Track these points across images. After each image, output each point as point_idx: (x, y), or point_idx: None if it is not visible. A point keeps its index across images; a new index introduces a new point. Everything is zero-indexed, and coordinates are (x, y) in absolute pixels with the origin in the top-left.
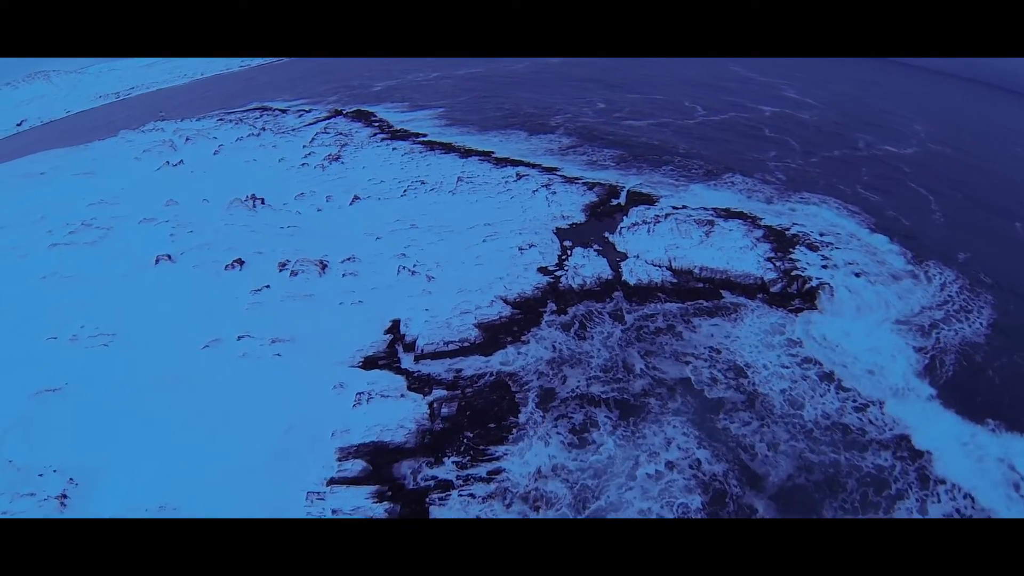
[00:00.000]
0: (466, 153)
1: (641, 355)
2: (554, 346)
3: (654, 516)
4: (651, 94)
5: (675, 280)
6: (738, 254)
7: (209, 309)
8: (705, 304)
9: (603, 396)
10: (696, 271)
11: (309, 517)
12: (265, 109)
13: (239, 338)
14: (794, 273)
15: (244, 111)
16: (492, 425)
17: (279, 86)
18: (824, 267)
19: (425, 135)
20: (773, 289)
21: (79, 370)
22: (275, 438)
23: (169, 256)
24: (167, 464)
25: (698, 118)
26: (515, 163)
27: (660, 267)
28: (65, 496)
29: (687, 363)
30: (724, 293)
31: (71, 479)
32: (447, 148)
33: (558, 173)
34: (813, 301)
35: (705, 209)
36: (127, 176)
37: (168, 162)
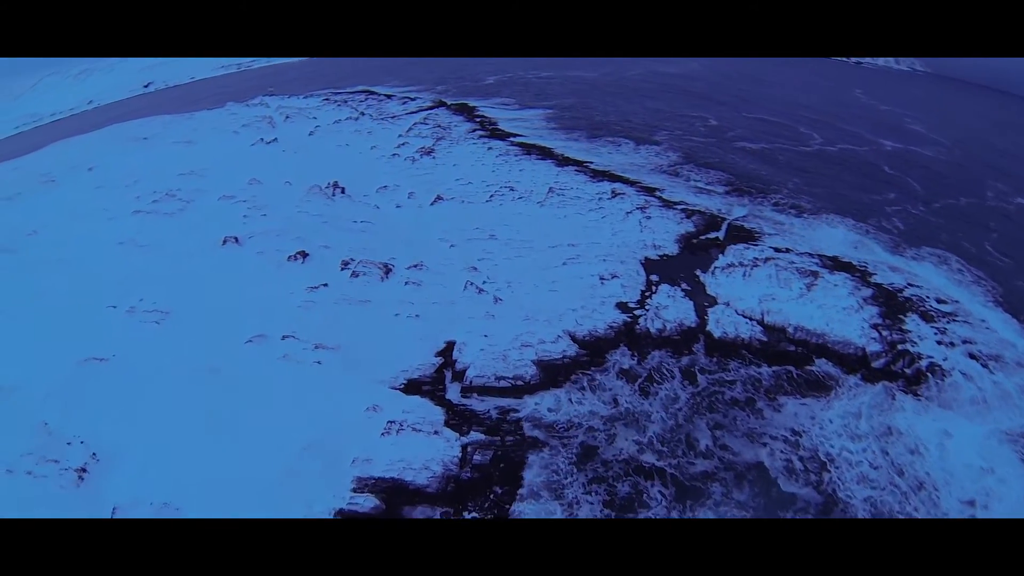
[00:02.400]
0: (563, 161)
1: (710, 427)
2: (615, 399)
3: None
4: (766, 115)
5: (765, 338)
6: (840, 315)
7: (262, 301)
8: (794, 372)
9: (655, 468)
10: (790, 330)
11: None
12: (371, 93)
13: (283, 338)
14: (902, 347)
15: (350, 92)
16: (525, 482)
17: (391, 69)
18: (939, 343)
19: (524, 136)
20: (875, 364)
21: (128, 344)
22: (292, 454)
23: (236, 239)
24: (182, 460)
25: (813, 146)
26: (613, 178)
27: (751, 320)
28: (84, 470)
29: (763, 445)
30: (818, 361)
31: (94, 454)
32: (544, 153)
33: (656, 194)
34: (919, 384)
35: (810, 256)
36: (221, 149)
37: (263, 139)
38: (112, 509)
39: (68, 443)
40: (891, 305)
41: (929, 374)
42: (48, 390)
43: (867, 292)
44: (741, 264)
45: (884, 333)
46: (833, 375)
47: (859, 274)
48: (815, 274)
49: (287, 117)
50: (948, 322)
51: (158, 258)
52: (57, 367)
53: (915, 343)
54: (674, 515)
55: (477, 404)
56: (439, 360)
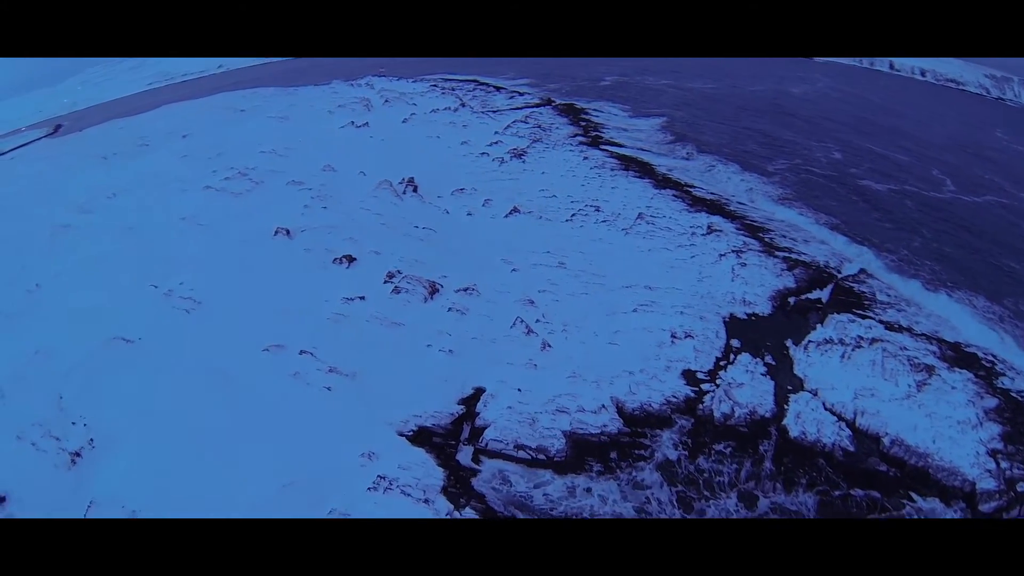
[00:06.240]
0: (661, 183)
1: None
2: (647, 501)
3: None
4: (895, 152)
5: (852, 448)
6: (952, 431)
7: (293, 306)
8: (879, 501)
9: None
10: (886, 442)
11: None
12: (480, 83)
13: (301, 352)
14: (1022, 488)
15: (461, 80)
16: None
17: (509, 60)
18: None
19: (626, 148)
20: (982, 507)
21: (156, 328)
22: (271, 488)
23: (288, 231)
24: (165, 469)
25: (946, 194)
26: (713, 209)
27: (839, 420)
28: (78, 455)
29: None
30: (912, 492)
31: (91, 440)
32: (643, 170)
33: (758, 235)
34: None
35: (928, 341)
36: (311, 129)
37: (353, 122)
38: (88, 504)
39: (73, 423)
40: (1017, 423)
41: None
42: (74, 362)
43: (990, 402)
44: (842, 342)
45: (1003, 465)
46: (926, 510)
47: (984, 374)
48: (930, 369)
49: (386, 101)
50: None
51: (210, 241)
52: (89, 339)
53: None
54: None
55: (484, 473)
56: (460, 409)
